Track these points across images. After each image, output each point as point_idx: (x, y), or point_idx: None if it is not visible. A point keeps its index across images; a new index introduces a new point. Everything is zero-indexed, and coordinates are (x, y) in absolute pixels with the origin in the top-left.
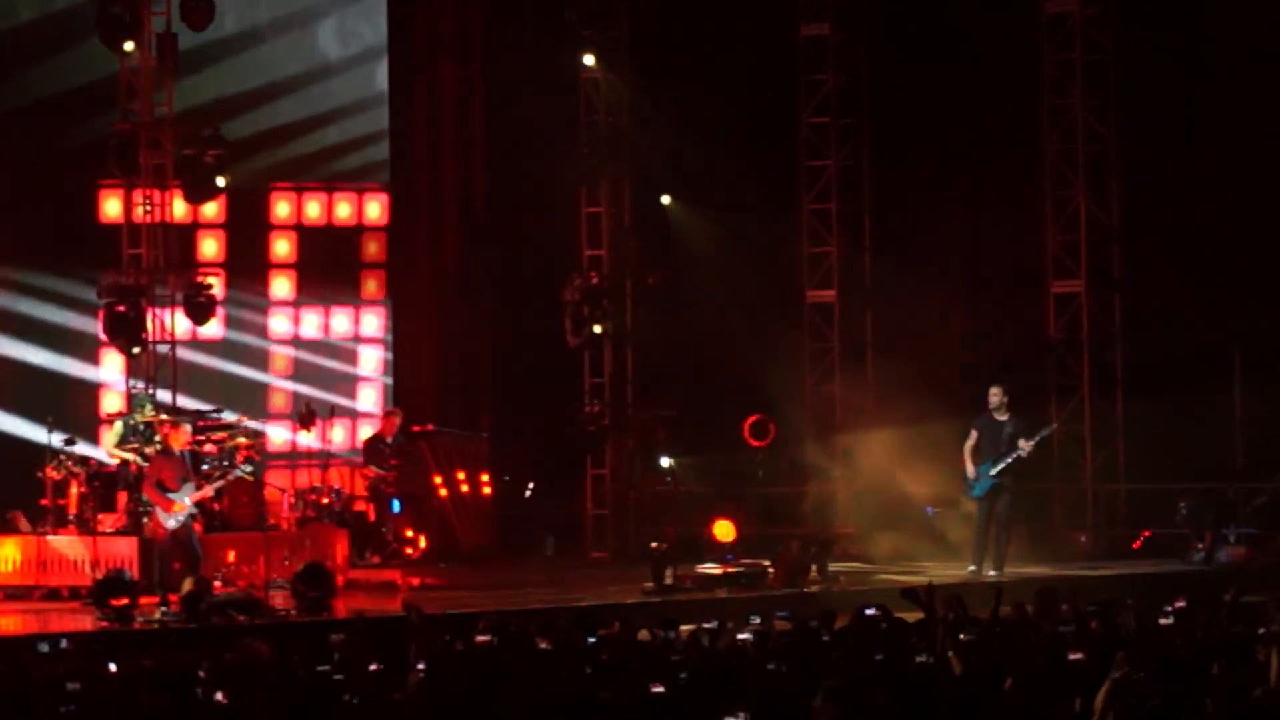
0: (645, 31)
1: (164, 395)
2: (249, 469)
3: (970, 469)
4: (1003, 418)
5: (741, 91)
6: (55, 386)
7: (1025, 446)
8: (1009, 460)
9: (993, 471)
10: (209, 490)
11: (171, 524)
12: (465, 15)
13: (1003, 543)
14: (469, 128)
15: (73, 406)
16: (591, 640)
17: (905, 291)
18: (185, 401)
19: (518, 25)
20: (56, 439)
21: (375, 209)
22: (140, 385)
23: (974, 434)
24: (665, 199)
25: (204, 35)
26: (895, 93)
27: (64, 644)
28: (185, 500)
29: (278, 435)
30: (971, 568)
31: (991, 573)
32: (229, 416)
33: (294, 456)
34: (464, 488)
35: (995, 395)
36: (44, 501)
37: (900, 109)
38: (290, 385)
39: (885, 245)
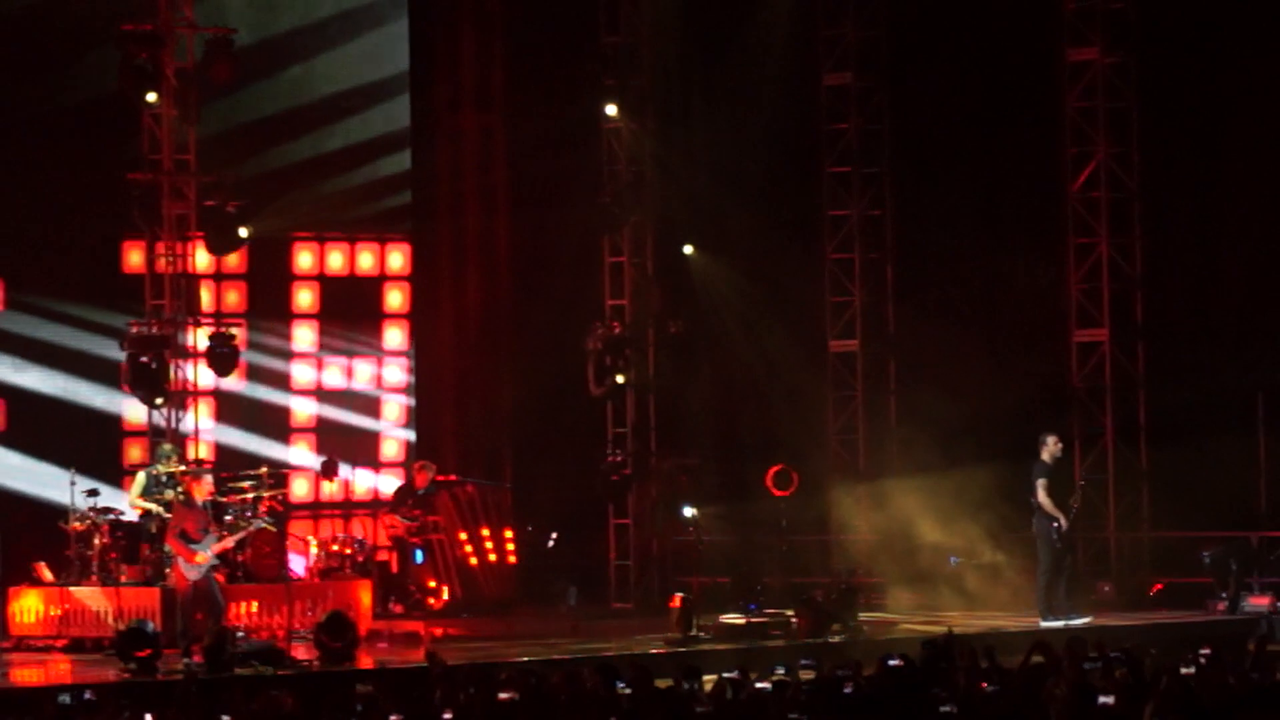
0: (667, 81)
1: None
2: (270, 521)
3: (1063, 519)
4: (1052, 464)
5: (763, 140)
6: (79, 436)
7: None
8: (1072, 514)
9: (1063, 525)
10: (230, 542)
11: (194, 575)
12: (486, 64)
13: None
14: (491, 177)
15: (96, 456)
16: (617, 689)
17: (928, 340)
18: (207, 452)
19: (539, 74)
20: (80, 491)
21: (398, 259)
22: (162, 436)
23: (1043, 482)
24: (688, 248)
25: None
26: (917, 141)
27: (87, 695)
28: (208, 551)
29: (300, 485)
30: (1058, 621)
31: (1082, 620)
32: (251, 469)
33: (317, 507)
34: (489, 545)
35: (1052, 444)
36: (68, 552)
37: (922, 158)
38: (313, 435)
39: (908, 294)
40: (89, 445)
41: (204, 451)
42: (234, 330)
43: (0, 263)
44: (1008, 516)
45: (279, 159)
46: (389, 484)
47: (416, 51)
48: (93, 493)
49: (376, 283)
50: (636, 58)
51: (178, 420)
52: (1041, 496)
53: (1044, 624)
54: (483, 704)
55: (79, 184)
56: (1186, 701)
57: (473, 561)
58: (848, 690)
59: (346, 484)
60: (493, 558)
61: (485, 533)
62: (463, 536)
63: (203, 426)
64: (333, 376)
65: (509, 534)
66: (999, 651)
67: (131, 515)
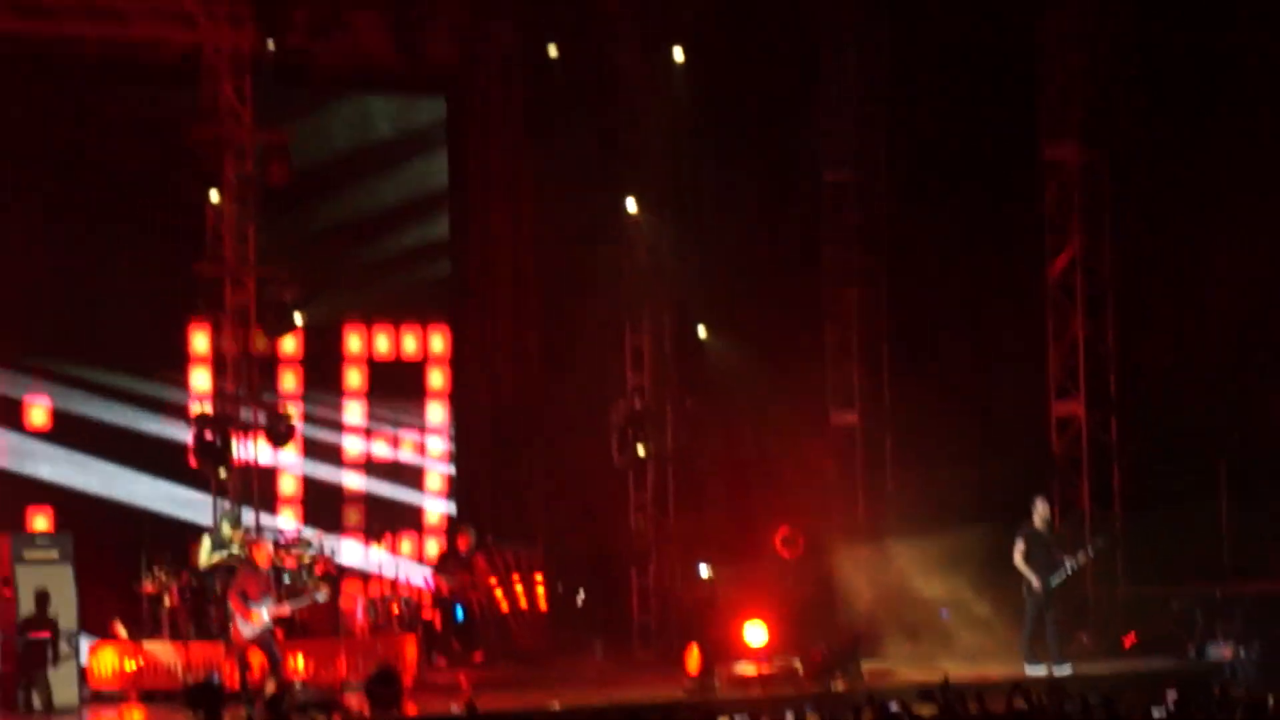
0: (682, 178)
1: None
2: (324, 595)
3: (1035, 579)
4: (1046, 527)
5: (770, 230)
6: (149, 504)
7: (1076, 560)
8: (1069, 572)
9: (1054, 582)
10: (287, 609)
11: (249, 633)
12: (517, 163)
13: (1061, 639)
14: (522, 265)
15: (166, 522)
16: None
17: (921, 413)
18: (267, 519)
19: (565, 172)
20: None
21: (439, 342)
22: (226, 505)
23: (1022, 544)
24: (702, 330)
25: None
26: (910, 232)
27: None
28: (264, 612)
29: (352, 549)
30: (1039, 668)
31: (1064, 668)
32: (308, 533)
33: (367, 570)
34: (521, 594)
35: (1043, 507)
36: (141, 611)
37: (915, 245)
38: (362, 503)
39: (903, 371)
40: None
41: (264, 517)
42: (290, 408)
43: (73, 347)
44: (994, 573)
45: (331, 253)
46: (431, 547)
47: (454, 154)
48: (163, 556)
49: (419, 364)
50: (654, 156)
51: (239, 490)
52: (1016, 558)
53: (1028, 671)
54: None
55: (147, 272)
56: None
57: (508, 617)
58: None
59: (394, 546)
60: (524, 601)
61: (519, 590)
62: (499, 594)
63: (263, 495)
64: (380, 449)
65: (540, 589)
66: (986, 696)
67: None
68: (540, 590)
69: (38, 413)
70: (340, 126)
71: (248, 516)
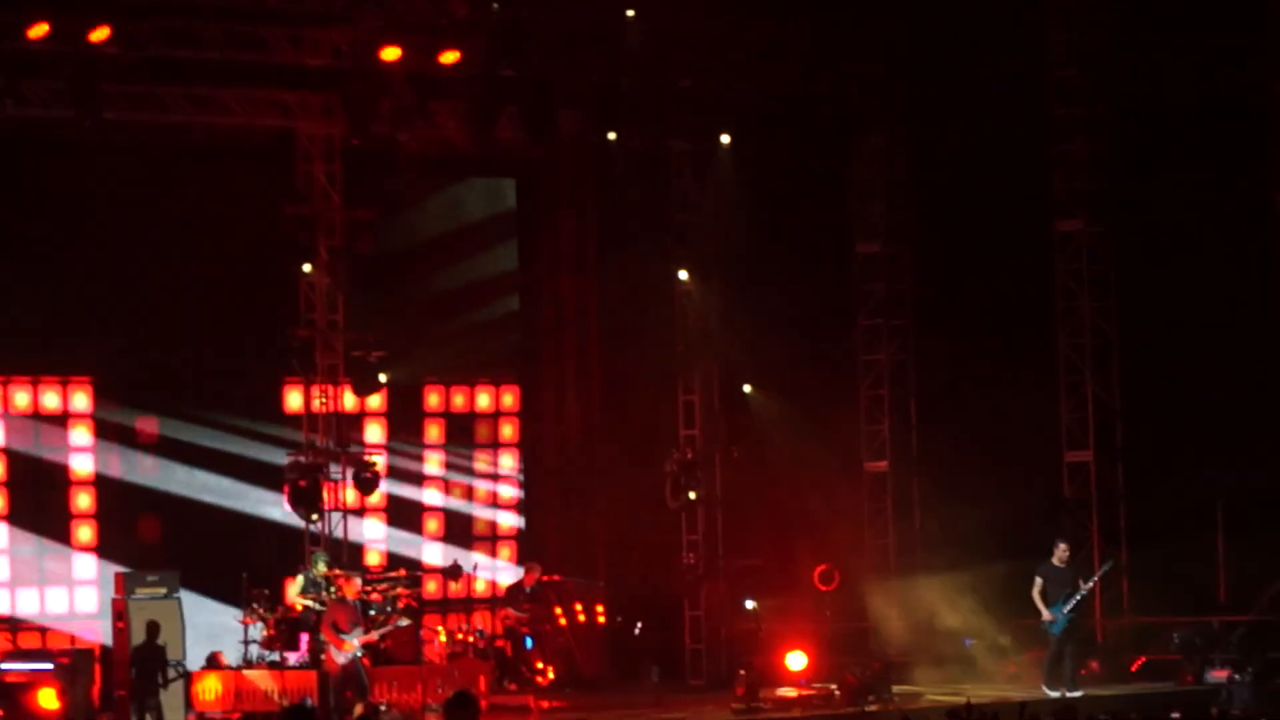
0: (729, 249)
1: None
2: (405, 622)
3: (1046, 612)
4: (1063, 565)
5: (809, 297)
6: (248, 543)
7: (1085, 586)
8: (1078, 599)
9: (1066, 609)
10: (375, 635)
11: (342, 660)
12: (580, 238)
13: (1077, 668)
14: (585, 329)
15: (263, 561)
16: None
17: (946, 461)
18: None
19: (624, 245)
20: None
21: (509, 399)
22: (317, 546)
23: (1039, 581)
24: (747, 387)
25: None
26: (934, 298)
27: None
28: (354, 641)
29: (431, 585)
30: (1055, 693)
31: (1076, 693)
32: (392, 572)
33: (445, 603)
34: (581, 618)
35: (1063, 549)
36: (241, 642)
37: (938, 312)
38: (440, 544)
39: (929, 423)
40: (256, 552)
41: (353, 557)
42: (375, 458)
43: (178, 402)
44: (1013, 605)
45: (414, 320)
46: (503, 583)
47: (523, 230)
48: (260, 593)
49: (492, 418)
50: (703, 231)
51: (330, 532)
52: (1034, 593)
53: (1046, 694)
54: None
55: (245, 335)
56: None
57: (573, 644)
58: None
59: (469, 583)
60: (585, 625)
61: (582, 619)
62: (563, 621)
63: (351, 537)
64: (456, 495)
65: (599, 608)
66: (1002, 716)
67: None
68: (600, 613)
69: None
70: (425, 211)
71: (337, 555)
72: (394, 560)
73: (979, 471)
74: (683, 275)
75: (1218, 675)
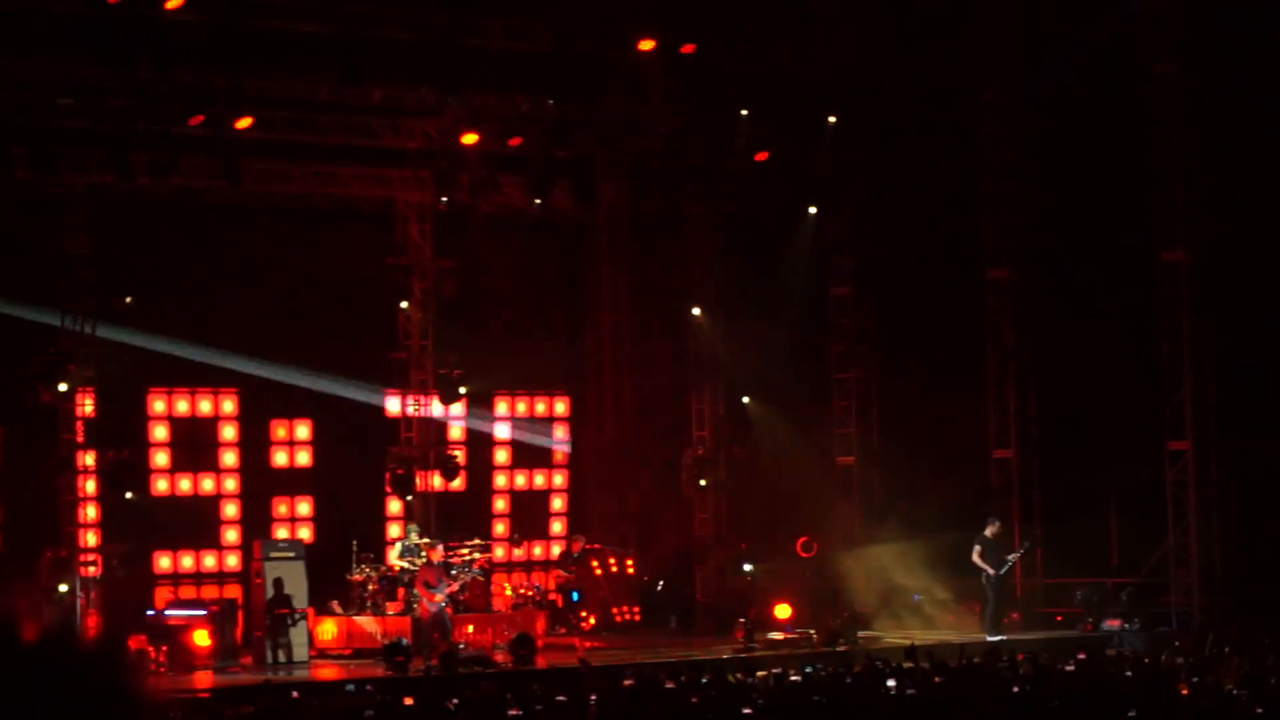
0: (732, 290)
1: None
2: (480, 574)
3: (989, 569)
4: (994, 538)
5: (793, 329)
6: (356, 521)
7: (1012, 556)
8: (1008, 564)
9: (1001, 571)
10: (455, 587)
11: (433, 609)
12: (618, 283)
13: (1001, 617)
14: (620, 354)
15: (370, 532)
16: (701, 681)
17: (901, 458)
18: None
19: (650, 287)
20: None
21: (561, 407)
22: (412, 520)
23: (978, 548)
24: (745, 399)
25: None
26: (893, 331)
27: (368, 688)
28: (441, 594)
29: (499, 550)
30: (994, 637)
31: (1000, 637)
32: (469, 540)
33: (510, 565)
34: (614, 570)
35: (995, 525)
36: (352, 594)
37: (896, 341)
38: (507, 519)
39: (888, 427)
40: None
41: (440, 528)
42: (456, 453)
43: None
44: (953, 569)
45: (487, 346)
46: (557, 551)
47: (572, 276)
48: (368, 555)
49: (548, 422)
50: (712, 277)
51: (423, 510)
52: (973, 557)
53: (989, 638)
54: (613, 690)
55: (356, 357)
56: (1066, 687)
57: (609, 596)
58: (847, 680)
59: (529, 550)
60: (618, 574)
61: (615, 570)
62: (600, 574)
63: (438, 513)
64: (521, 481)
65: (630, 569)
66: (939, 654)
67: (394, 569)
68: (630, 571)
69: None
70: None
71: (427, 527)
72: (471, 531)
73: (925, 464)
74: (696, 311)
75: (1111, 624)
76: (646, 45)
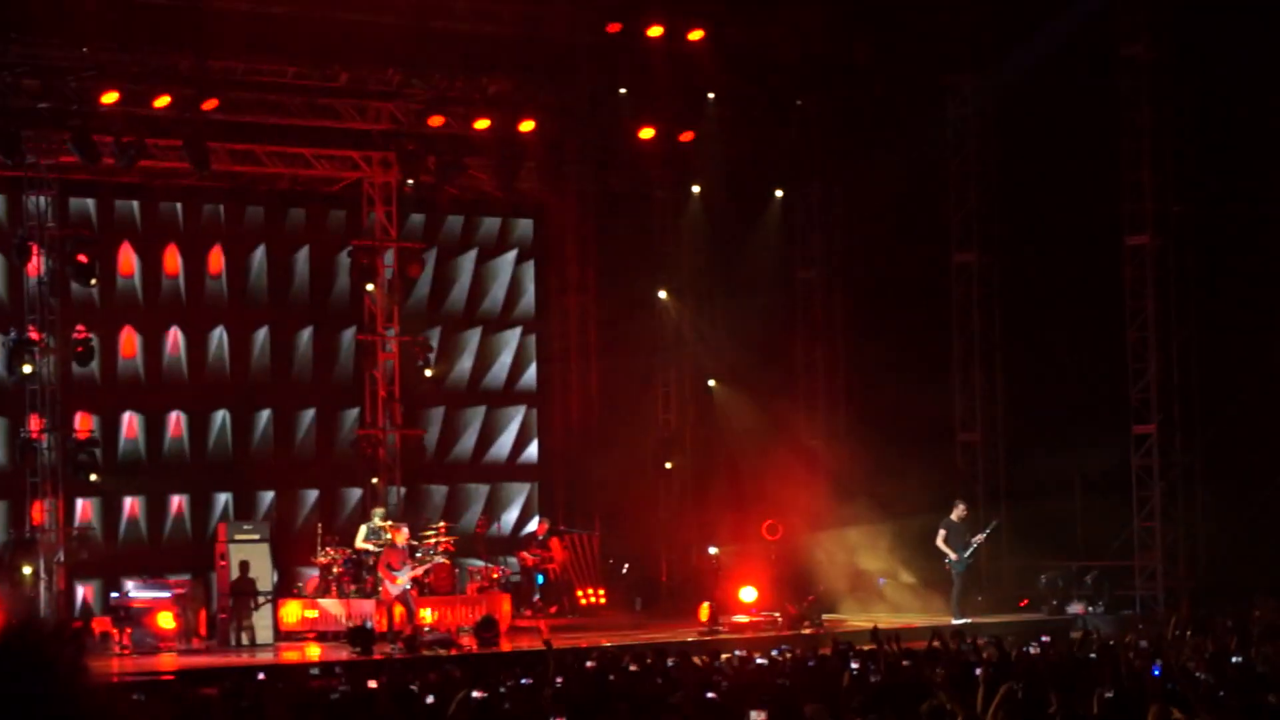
0: (698, 274)
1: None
2: (443, 560)
3: (952, 554)
4: (960, 521)
5: (761, 314)
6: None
7: (977, 539)
8: (973, 548)
9: (966, 555)
10: (419, 571)
11: (395, 591)
12: (584, 265)
13: (967, 600)
14: (586, 337)
15: (333, 516)
16: (667, 663)
17: (869, 441)
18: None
19: (617, 270)
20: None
21: (528, 388)
22: (378, 503)
23: (943, 532)
24: (711, 381)
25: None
26: (859, 316)
27: (337, 670)
28: (404, 577)
29: (466, 533)
30: (960, 620)
31: (965, 620)
32: (436, 523)
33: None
34: (579, 551)
35: (961, 508)
36: (317, 576)
37: (863, 326)
38: (475, 499)
39: (856, 408)
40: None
41: (405, 510)
42: (422, 434)
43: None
44: (918, 552)
45: (454, 328)
46: (522, 534)
47: (538, 259)
48: (332, 538)
49: (514, 403)
50: (678, 259)
51: (386, 491)
52: (938, 541)
53: (954, 621)
54: (577, 672)
55: (326, 339)
56: (1030, 669)
57: (574, 579)
58: (811, 663)
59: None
60: (584, 555)
61: (582, 561)
62: (567, 564)
63: (404, 495)
64: (488, 460)
65: (597, 563)
66: (906, 638)
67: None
68: (595, 552)
69: None
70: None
71: (392, 509)
72: (438, 514)
73: (892, 447)
74: (662, 294)
75: (1076, 608)
76: (655, 31)
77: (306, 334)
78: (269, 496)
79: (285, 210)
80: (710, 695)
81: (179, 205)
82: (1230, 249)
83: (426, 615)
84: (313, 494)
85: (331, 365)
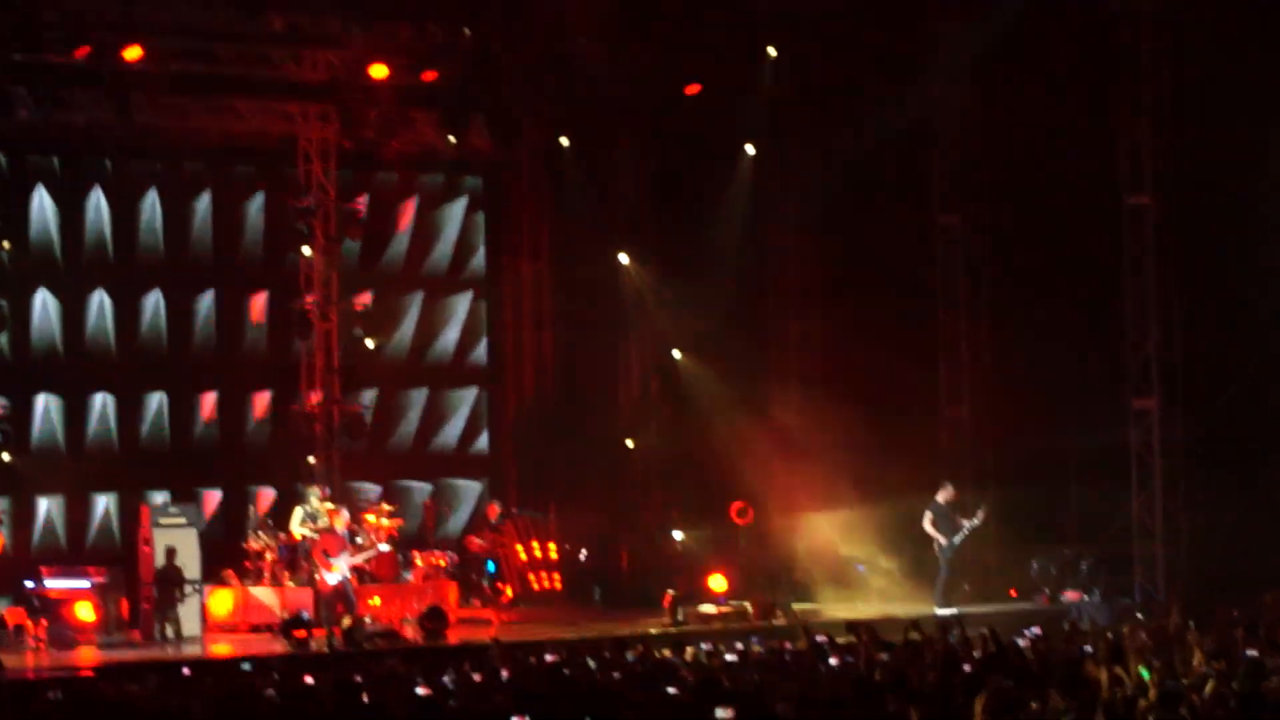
0: (663, 238)
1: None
2: (387, 547)
3: (942, 539)
4: (947, 504)
5: (729, 279)
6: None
7: (968, 525)
8: (963, 533)
9: (956, 541)
10: (360, 559)
11: (333, 580)
12: (538, 226)
13: (953, 589)
14: (540, 305)
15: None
16: (627, 658)
17: (842, 416)
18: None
19: (574, 232)
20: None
21: (477, 362)
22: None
23: (930, 515)
24: (676, 354)
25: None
26: (839, 280)
27: (270, 666)
28: (343, 564)
29: (410, 515)
30: (945, 610)
31: (953, 610)
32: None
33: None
34: (538, 554)
35: (949, 490)
36: (247, 563)
37: (843, 290)
38: (417, 483)
39: (832, 382)
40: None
41: (344, 493)
42: (363, 408)
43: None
44: (900, 537)
45: (396, 295)
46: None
47: (489, 219)
48: (265, 523)
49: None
50: (642, 221)
51: (323, 469)
52: (925, 525)
53: (939, 612)
54: (532, 666)
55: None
56: (1020, 664)
57: (527, 568)
58: (786, 658)
59: (442, 516)
60: (541, 559)
61: (536, 547)
62: (519, 549)
63: (343, 476)
64: (434, 443)
65: (552, 549)
66: (883, 632)
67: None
68: (553, 556)
69: None
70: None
71: (329, 491)
72: (379, 496)
73: (872, 426)
74: (622, 259)
75: (1070, 597)
76: None
77: (260, 301)
78: (215, 497)
79: (227, 165)
80: (672, 691)
81: (109, 161)
82: (1235, 209)
83: (369, 605)
84: (268, 491)
85: (265, 331)
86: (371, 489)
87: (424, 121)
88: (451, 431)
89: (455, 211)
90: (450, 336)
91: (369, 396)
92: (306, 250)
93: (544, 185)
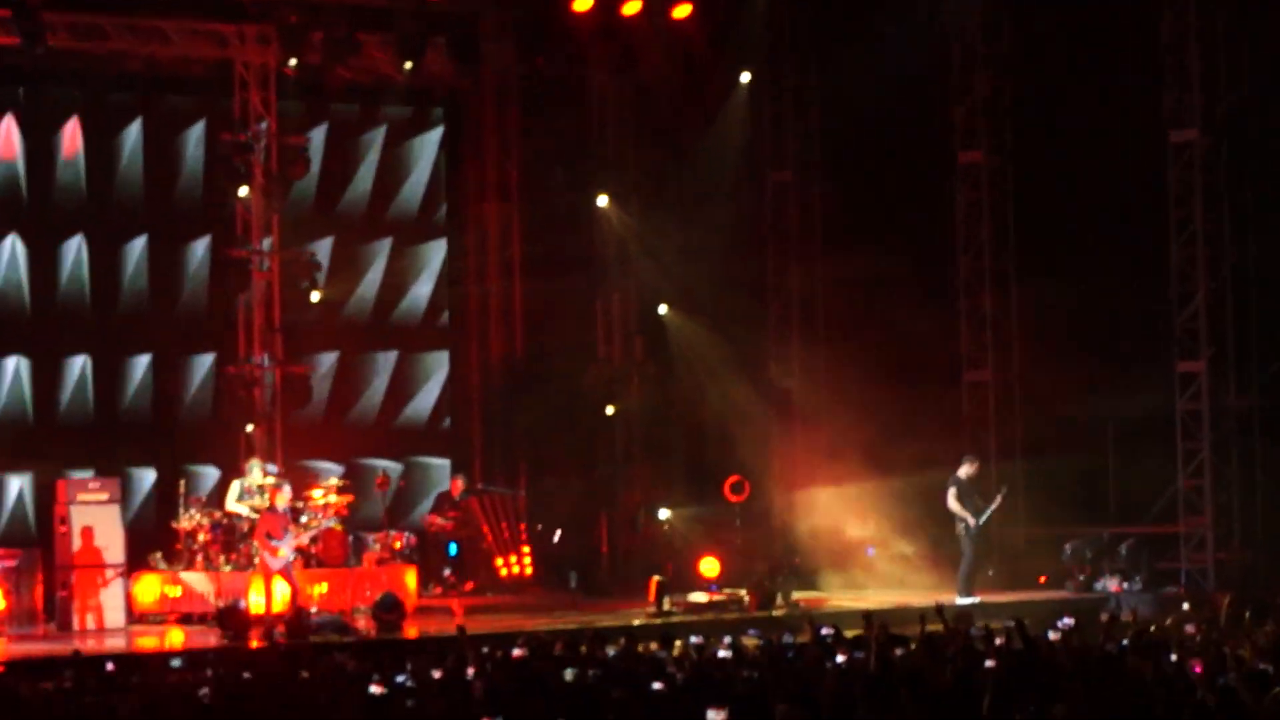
0: (647, 177)
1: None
2: (336, 522)
3: (969, 518)
4: (970, 480)
5: (723, 224)
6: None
7: (991, 506)
8: (988, 514)
9: (982, 521)
10: (305, 538)
11: (275, 565)
12: (505, 164)
13: (976, 576)
14: (509, 252)
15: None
16: (608, 653)
17: (851, 379)
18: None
19: (546, 171)
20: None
21: (437, 317)
22: (253, 455)
23: (953, 489)
24: (662, 308)
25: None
26: (842, 226)
27: (204, 661)
28: (286, 547)
29: (363, 493)
30: (966, 600)
31: (974, 600)
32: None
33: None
34: (506, 535)
35: (973, 465)
36: (177, 546)
37: (845, 238)
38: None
39: (836, 342)
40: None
41: (289, 465)
42: (309, 370)
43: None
44: (915, 516)
45: (346, 241)
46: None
47: (450, 156)
48: (196, 499)
49: (421, 335)
50: (624, 159)
51: (265, 440)
52: (950, 503)
53: (960, 601)
54: (500, 662)
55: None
56: (1050, 662)
57: (495, 551)
58: (790, 654)
59: (397, 494)
60: (509, 540)
61: (504, 527)
62: (486, 530)
63: (286, 445)
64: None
65: (523, 530)
66: (897, 623)
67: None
68: (522, 530)
69: None
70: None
71: (271, 466)
72: (330, 471)
73: (884, 388)
74: (601, 201)
75: (1108, 584)
76: None
77: (199, 249)
78: (148, 477)
79: (158, 95)
80: (658, 687)
81: (21, 89)
82: None
83: (315, 593)
84: (211, 472)
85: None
86: (334, 469)
87: (375, 44)
88: (424, 402)
89: (426, 148)
90: (421, 291)
91: (327, 362)
92: (243, 190)
93: (511, 118)
